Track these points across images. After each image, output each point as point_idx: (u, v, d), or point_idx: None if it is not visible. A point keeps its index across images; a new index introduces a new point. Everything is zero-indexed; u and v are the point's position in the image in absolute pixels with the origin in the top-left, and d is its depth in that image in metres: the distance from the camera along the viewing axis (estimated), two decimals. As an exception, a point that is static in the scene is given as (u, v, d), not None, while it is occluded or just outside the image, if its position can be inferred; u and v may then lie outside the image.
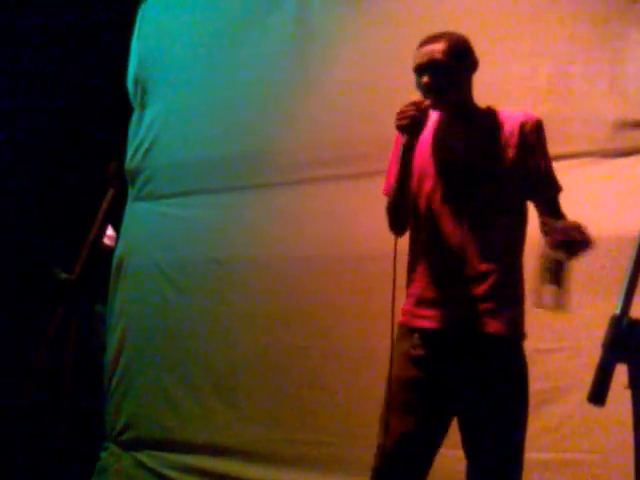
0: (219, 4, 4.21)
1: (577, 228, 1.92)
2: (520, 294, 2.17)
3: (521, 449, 2.11)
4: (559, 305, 2.00)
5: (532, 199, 2.22)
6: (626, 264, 1.30)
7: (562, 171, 3.17)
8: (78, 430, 3.80)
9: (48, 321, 3.83)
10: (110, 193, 4.14)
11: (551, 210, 2.17)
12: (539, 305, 2.01)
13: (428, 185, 2.18)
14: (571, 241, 1.90)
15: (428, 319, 2.13)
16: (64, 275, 3.89)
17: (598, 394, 1.12)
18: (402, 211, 2.18)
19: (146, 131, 4.29)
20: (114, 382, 4.06)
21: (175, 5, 4.35)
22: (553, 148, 3.23)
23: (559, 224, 1.97)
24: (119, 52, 4.33)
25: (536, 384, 3.07)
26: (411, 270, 2.21)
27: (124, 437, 3.97)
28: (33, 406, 3.72)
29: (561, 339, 3.02)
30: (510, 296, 2.13)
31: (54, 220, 4.08)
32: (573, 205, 3.11)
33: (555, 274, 1.96)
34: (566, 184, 3.16)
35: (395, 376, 2.14)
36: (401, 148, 2.09)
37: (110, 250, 4.20)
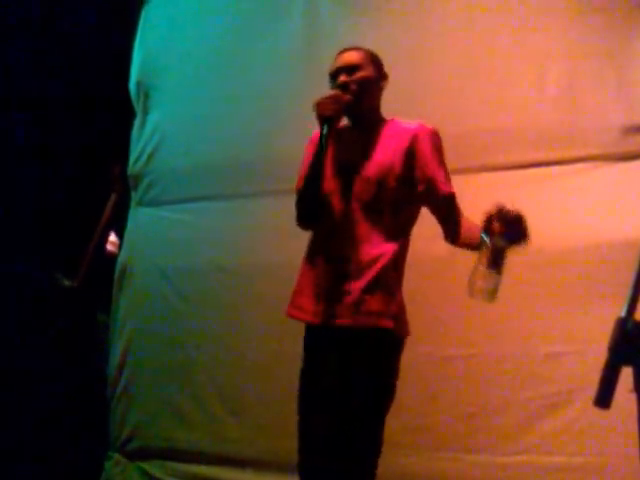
0: (224, 9, 4.24)
1: (521, 219, 2.05)
2: None
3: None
4: (494, 293, 2.06)
5: (425, 204, 2.41)
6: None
7: (570, 175, 3.25)
8: (82, 440, 3.82)
9: (50, 329, 3.85)
10: (113, 198, 4.14)
11: (449, 213, 2.36)
12: (475, 294, 2.07)
13: (329, 187, 2.34)
14: (516, 231, 2.04)
15: None
16: (67, 282, 3.90)
17: (604, 397, 1.14)
18: (311, 202, 2.35)
19: (149, 135, 4.32)
20: (118, 391, 4.09)
21: (179, 8, 4.39)
22: (561, 152, 3.28)
23: (505, 214, 2.07)
24: (121, 54, 4.37)
25: (546, 387, 3.13)
26: None
27: (129, 447, 4.01)
28: (36, 415, 3.74)
29: (570, 342, 3.06)
30: None
31: (56, 226, 4.09)
32: (581, 208, 3.17)
33: (497, 263, 2.05)
34: (574, 188, 3.21)
35: None
36: (320, 138, 2.26)
37: (113, 256, 4.22)
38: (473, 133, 3.44)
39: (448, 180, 2.35)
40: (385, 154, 2.33)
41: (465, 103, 3.48)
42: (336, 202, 2.34)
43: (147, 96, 4.35)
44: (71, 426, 3.79)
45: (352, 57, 2.39)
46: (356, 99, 2.34)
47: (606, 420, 2.68)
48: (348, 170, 2.35)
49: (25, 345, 3.89)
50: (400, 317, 2.28)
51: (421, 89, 3.55)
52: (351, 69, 2.37)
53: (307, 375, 2.36)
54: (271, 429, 3.58)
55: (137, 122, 4.38)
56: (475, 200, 3.39)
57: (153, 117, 4.33)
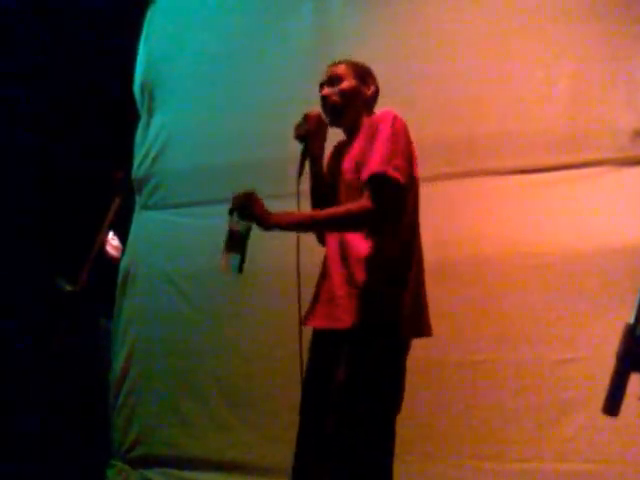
0: (229, 9, 4.26)
1: (237, 196, 2.24)
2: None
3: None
4: (237, 269, 2.29)
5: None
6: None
7: (580, 179, 3.25)
8: (84, 447, 3.82)
9: (51, 335, 3.84)
10: (116, 202, 4.13)
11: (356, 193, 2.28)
12: (221, 269, 2.31)
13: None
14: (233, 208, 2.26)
15: None
16: (68, 287, 3.90)
17: (612, 405, 1.14)
18: None
19: (154, 138, 4.33)
20: (122, 397, 4.09)
21: (184, 10, 4.41)
22: (571, 156, 3.28)
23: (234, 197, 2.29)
24: (126, 55, 4.38)
25: (554, 394, 3.12)
26: None
27: (133, 454, 4.00)
28: (38, 421, 3.75)
29: (578, 349, 3.06)
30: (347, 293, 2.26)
31: (58, 230, 4.10)
32: (591, 212, 3.17)
33: (232, 242, 2.32)
34: (583, 192, 3.20)
35: None
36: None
37: (116, 260, 4.21)
38: (483, 136, 3.45)
39: (385, 161, 2.18)
40: (358, 152, 2.34)
41: (474, 106, 3.49)
42: None
43: (152, 98, 4.36)
44: (73, 433, 3.79)
45: (334, 70, 2.49)
46: (339, 109, 2.43)
47: (618, 427, 2.67)
48: (337, 179, 2.43)
49: (26, 350, 3.90)
50: (387, 317, 2.21)
51: (429, 90, 3.54)
52: (333, 81, 2.46)
53: (305, 378, 2.41)
54: (278, 435, 3.57)
55: (141, 124, 4.39)
56: (485, 203, 3.42)
57: (158, 119, 4.34)
